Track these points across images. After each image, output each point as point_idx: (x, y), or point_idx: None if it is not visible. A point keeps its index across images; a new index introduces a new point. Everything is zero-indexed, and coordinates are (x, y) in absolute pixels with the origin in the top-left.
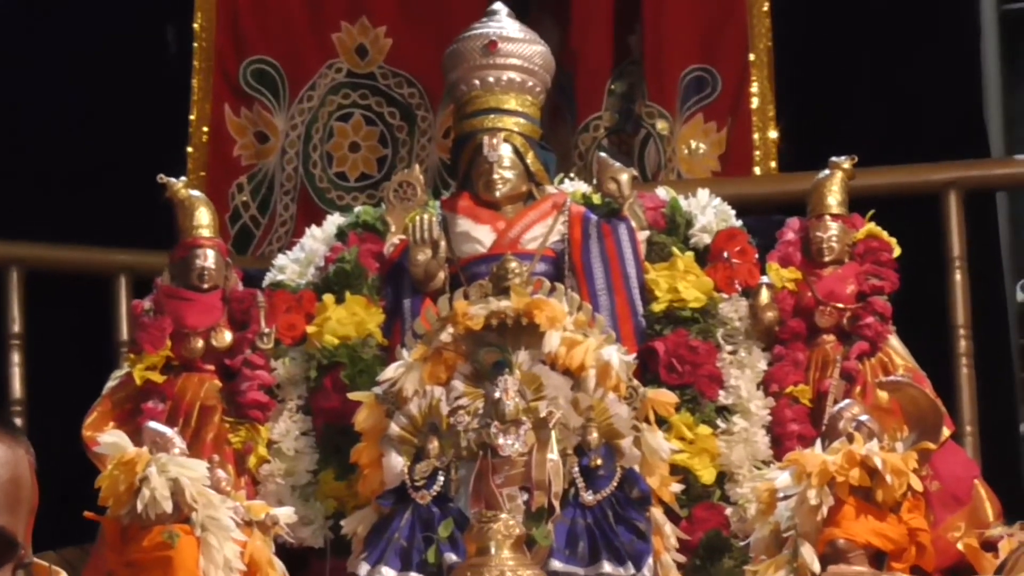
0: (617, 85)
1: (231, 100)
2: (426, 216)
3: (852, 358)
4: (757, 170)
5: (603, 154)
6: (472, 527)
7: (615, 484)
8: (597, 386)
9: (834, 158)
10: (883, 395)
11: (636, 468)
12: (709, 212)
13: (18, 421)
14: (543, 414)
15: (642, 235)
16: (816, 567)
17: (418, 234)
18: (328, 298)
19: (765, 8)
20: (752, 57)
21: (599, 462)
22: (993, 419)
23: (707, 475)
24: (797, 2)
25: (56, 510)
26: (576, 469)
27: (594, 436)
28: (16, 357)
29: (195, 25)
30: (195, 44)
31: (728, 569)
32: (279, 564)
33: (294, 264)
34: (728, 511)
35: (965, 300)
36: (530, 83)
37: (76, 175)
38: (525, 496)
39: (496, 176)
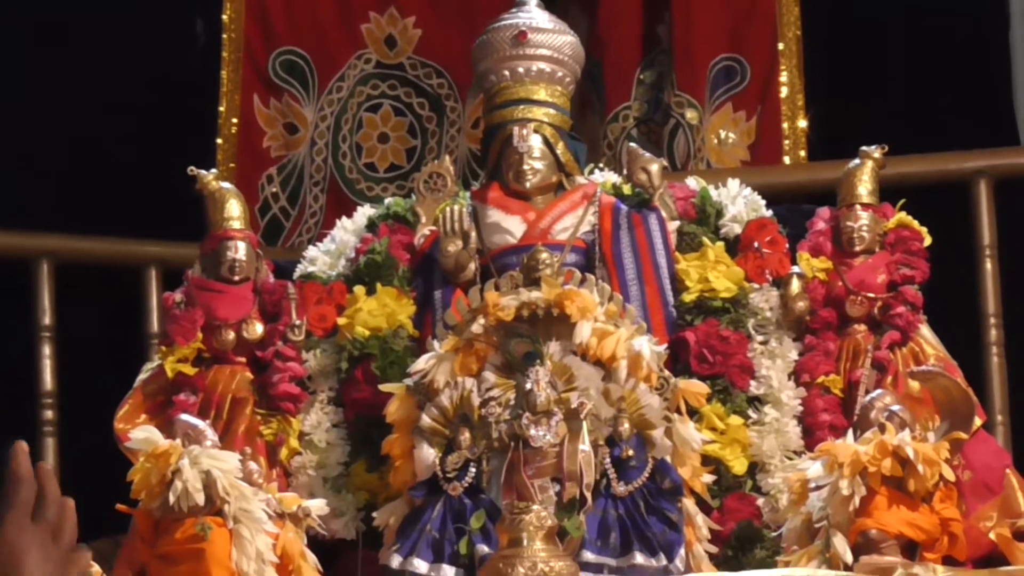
0: (646, 75)
1: (260, 91)
2: (456, 207)
3: (883, 348)
4: (787, 159)
5: (633, 144)
6: (504, 518)
7: (647, 475)
8: (628, 376)
9: (864, 147)
10: (915, 385)
11: (668, 459)
12: (739, 202)
13: (49, 414)
14: (574, 405)
15: (672, 225)
16: (848, 557)
17: (448, 225)
18: (359, 289)
19: None
20: (781, 46)
21: (631, 453)
22: None
23: (738, 465)
24: None
25: (88, 502)
26: (607, 460)
27: (625, 427)
28: (47, 349)
29: (224, 16)
30: (224, 35)
31: (760, 559)
32: (311, 556)
33: (325, 255)
34: (760, 501)
35: (996, 289)
36: (560, 73)
37: (106, 167)
38: (557, 487)
39: (526, 167)
